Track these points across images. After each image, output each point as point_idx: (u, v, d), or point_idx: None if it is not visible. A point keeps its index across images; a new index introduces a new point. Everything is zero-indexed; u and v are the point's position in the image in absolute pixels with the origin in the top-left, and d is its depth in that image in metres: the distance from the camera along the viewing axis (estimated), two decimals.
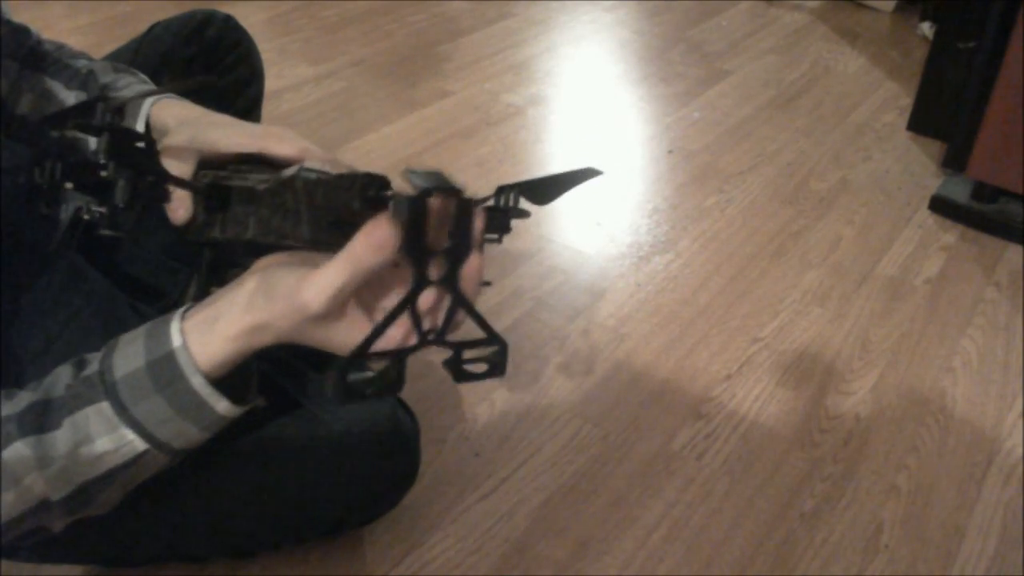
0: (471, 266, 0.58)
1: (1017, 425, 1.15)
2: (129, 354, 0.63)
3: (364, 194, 0.59)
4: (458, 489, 1.02)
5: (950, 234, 1.54)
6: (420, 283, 0.55)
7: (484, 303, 1.30)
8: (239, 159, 0.72)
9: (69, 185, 0.62)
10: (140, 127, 0.76)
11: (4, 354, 0.76)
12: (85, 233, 0.79)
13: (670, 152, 1.75)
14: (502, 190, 0.64)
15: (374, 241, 0.54)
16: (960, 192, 1.58)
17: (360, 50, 2.12)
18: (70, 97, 0.82)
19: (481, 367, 0.60)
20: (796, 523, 1.00)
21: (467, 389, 1.15)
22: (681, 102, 1.96)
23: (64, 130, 0.60)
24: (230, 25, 1.04)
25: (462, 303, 0.57)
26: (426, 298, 0.57)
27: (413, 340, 0.57)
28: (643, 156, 1.74)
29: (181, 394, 0.62)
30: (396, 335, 0.57)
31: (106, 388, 0.62)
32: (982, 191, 1.55)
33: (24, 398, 0.62)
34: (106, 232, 0.62)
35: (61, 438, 0.61)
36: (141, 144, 0.61)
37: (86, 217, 0.64)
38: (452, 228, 0.55)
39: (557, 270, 1.39)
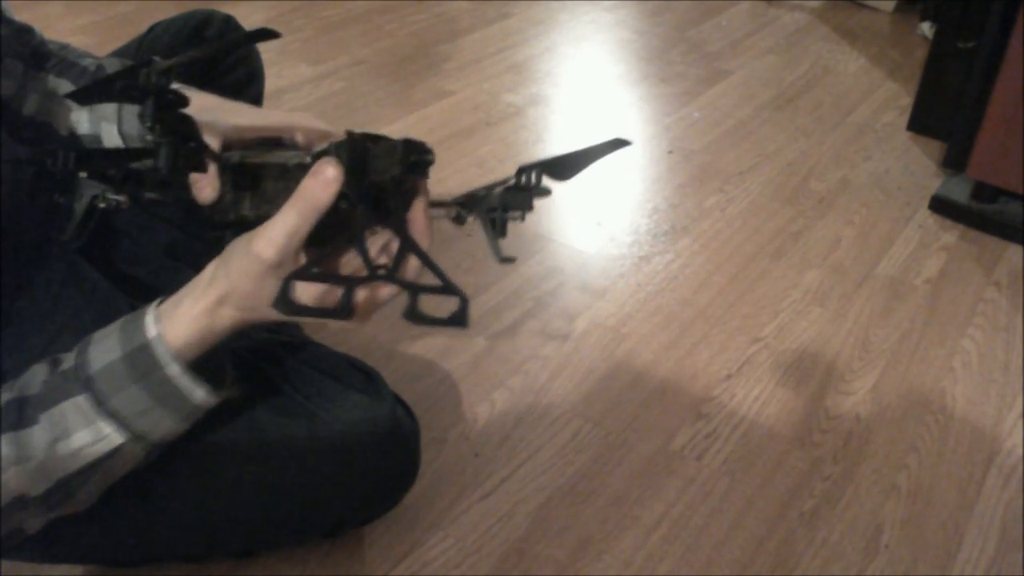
0: (417, 210, 0.61)
1: (1017, 425, 1.15)
2: (105, 348, 0.63)
3: (406, 160, 0.59)
4: (458, 489, 1.02)
5: (950, 234, 1.54)
6: (365, 219, 0.59)
7: (486, 301, 1.30)
8: (261, 144, 0.72)
9: (83, 175, 0.63)
10: None
11: (3, 354, 0.76)
12: (100, 223, 0.79)
13: (670, 152, 1.75)
14: (523, 169, 0.65)
15: (320, 178, 0.58)
16: (960, 192, 1.58)
17: (360, 50, 2.12)
18: None
19: (441, 314, 0.61)
20: (796, 523, 1.00)
21: (467, 388, 1.15)
22: (681, 102, 1.96)
23: (109, 98, 0.61)
24: (230, 25, 1.04)
25: (409, 245, 0.60)
26: (376, 238, 0.61)
27: (362, 272, 0.60)
28: (643, 156, 1.74)
29: (158, 384, 0.63)
30: (347, 264, 0.61)
31: (82, 382, 0.62)
32: (982, 191, 1.55)
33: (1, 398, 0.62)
34: (151, 195, 0.63)
35: (38, 434, 0.61)
36: (185, 109, 0.62)
37: (102, 205, 0.65)
38: (399, 174, 0.59)
39: (557, 270, 1.39)
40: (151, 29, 1.03)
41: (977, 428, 1.15)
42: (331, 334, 1.22)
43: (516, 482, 1.03)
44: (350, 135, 0.60)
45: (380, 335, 1.23)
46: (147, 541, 0.82)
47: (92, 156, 0.63)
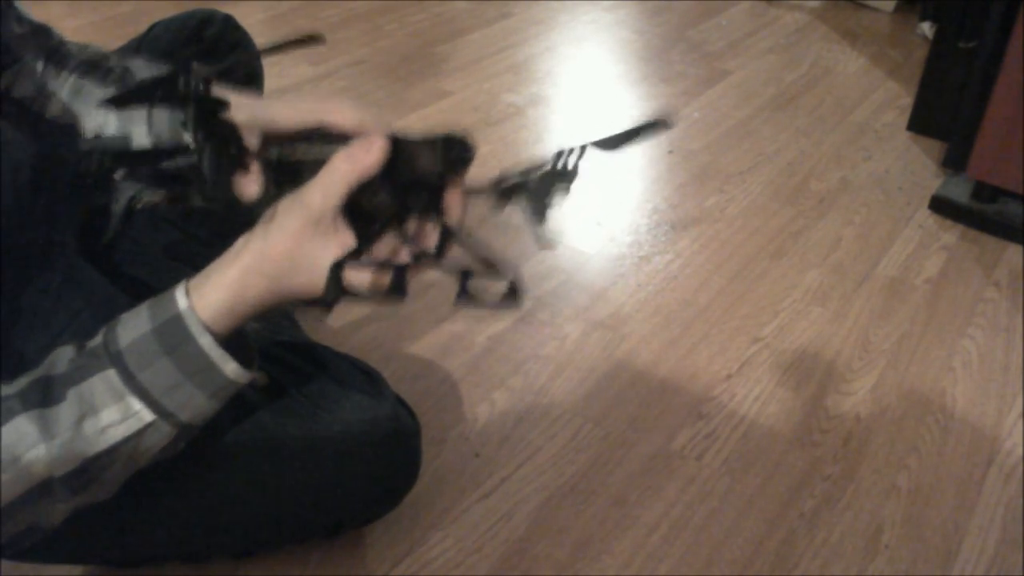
0: (452, 195, 0.63)
1: (1017, 425, 1.15)
2: (133, 324, 0.63)
3: (447, 156, 0.60)
4: (458, 489, 1.02)
5: (950, 234, 1.54)
6: (405, 210, 0.62)
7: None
8: (299, 136, 0.72)
9: (119, 176, 0.63)
10: None
11: (4, 355, 0.76)
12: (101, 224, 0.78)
13: (670, 152, 1.75)
14: (560, 154, 0.65)
15: (366, 143, 0.62)
16: (960, 192, 1.58)
17: (360, 50, 2.12)
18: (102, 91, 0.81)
19: (495, 296, 0.63)
20: (796, 523, 1.00)
21: (467, 388, 1.15)
22: (681, 102, 1.96)
23: (148, 104, 0.62)
24: (230, 25, 1.04)
25: (447, 230, 0.62)
26: (415, 223, 0.64)
27: (404, 256, 0.63)
28: (643, 156, 1.74)
29: (189, 356, 0.62)
30: (385, 248, 0.63)
31: (111, 357, 0.62)
32: (982, 191, 1.55)
33: (25, 379, 0.62)
34: (199, 203, 0.63)
35: (65, 411, 0.60)
36: (226, 114, 0.62)
37: (139, 206, 0.65)
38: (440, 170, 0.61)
39: (557, 270, 1.39)
40: (151, 29, 1.03)
41: (977, 428, 1.15)
42: (331, 334, 1.22)
43: (516, 482, 1.03)
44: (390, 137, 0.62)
45: (380, 335, 1.23)
46: (147, 541, 0.82)
47: (127, 156, 0.63)
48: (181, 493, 0.78)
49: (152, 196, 0.65)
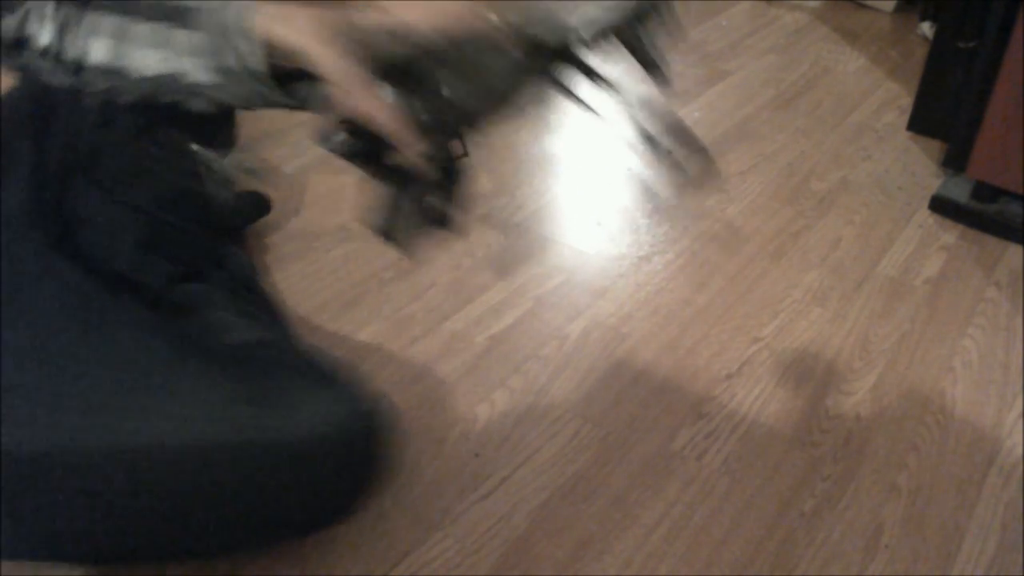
0: None
1: (1017, 425, 1.15)
2: None
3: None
4: (458, 489, 1.02)
5: (950, 234, 1.54)
6: None
7: (486, 301, 1.30)
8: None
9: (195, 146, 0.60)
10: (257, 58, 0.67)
11: None
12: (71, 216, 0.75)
13: (670, 152, 1.75)
14: None
15: None
16: (960, 192, 1.58)
17: None
18: (146, 28, 0.69)
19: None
20: (796, 523, 1.00)
21: (467, 388, 1.15)
22: (681, 102, 1.96)
23: None
24: None
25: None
26: None
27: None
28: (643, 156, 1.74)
29: None
30: None
31: None
32: (982, 191, 1.55)
33: None
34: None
35: None
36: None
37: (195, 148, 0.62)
38: None
39: (557, 270, 1.39)
40: None
41: (977, 428, 1.15)
42: (331, 334, 1.22)
43: (516, 482, 1.03)
44: None
45: (380, 335, 1.23)
46: (139, 538, 0.82)
47: (191, 120, 0.60)
48: (183, 492, 0.77)
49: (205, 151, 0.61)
